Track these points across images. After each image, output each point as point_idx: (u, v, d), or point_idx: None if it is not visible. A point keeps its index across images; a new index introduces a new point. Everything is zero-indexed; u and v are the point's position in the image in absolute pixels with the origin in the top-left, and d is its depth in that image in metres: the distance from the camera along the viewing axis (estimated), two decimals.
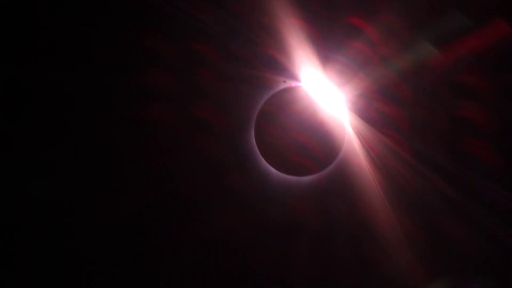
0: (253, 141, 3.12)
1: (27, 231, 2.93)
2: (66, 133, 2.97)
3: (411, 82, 3.02)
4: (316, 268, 3.07)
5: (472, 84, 2.96)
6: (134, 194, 3.01)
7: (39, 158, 2.93)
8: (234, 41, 3.02)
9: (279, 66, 3.07)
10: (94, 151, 2.99)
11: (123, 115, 3.00)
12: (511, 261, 2.91)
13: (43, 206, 2.93)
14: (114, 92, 2.99)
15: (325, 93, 3.13)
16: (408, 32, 2.97)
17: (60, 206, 2.95)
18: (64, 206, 2.96)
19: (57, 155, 2.96)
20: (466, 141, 3.00)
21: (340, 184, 3.09)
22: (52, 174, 2.95)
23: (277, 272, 3.07)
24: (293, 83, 3.14)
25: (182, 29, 3.00)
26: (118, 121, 3.00)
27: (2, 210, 2.90)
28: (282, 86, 3.09)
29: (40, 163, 2.94)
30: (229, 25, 3.00)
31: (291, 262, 3.08)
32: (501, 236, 2.92)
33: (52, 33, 2.93)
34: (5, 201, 2.90)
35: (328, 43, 3.00)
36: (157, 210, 3.03)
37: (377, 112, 3.07)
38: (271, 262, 3.07)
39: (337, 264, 3.06)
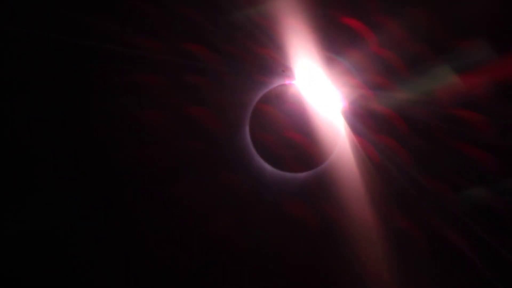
0: (248, 138, 3.14)
1: None
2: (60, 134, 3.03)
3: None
4: (311, 267, 3.07)
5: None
6: (129, 195, 3.06)
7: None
8: (228, 41, 3.04)
9: (273, 64, 3.09)
10: (84, 150, 3.04)
11: (114, 116, 3.04)
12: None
13: None
14: (105, 93, 3.03)
15: (321, 92, 3.13)
16: (412, 45, 2.97)
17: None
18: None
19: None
20: (466, 146, 2.98)
21: (333, 182, 3.10)
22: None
23: (273, 271, 3.08)
24: (288, 80, 3.15)
25: (174, 29, 3.02)
26: (109, 121, 3.04)
27: None
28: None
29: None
30: (223, 24, 3.02)
31: (285, 260, 3.08)
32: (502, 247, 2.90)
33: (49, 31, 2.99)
34: None
35: (328, 44, 3.01)
36: (151, 212, 3.07)
37: (373, 114, 3.07)
38: (266, 260, 3.08)
39: (331, 263, 3.06)
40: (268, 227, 3.10)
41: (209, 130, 3.11)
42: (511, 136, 2.94)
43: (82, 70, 3.02)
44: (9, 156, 2.96)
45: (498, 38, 2.90)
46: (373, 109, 3.07)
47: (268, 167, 3.14)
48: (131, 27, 3.01)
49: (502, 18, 2.93)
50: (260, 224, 3.10)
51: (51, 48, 2.98)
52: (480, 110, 2.97)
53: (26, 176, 2.97)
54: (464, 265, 2.95)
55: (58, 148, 3.00)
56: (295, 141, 3.07)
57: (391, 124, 3.04)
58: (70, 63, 3.01)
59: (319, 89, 3.12)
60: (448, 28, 2.94)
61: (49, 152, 2.99)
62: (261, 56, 3.08)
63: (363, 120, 3.09)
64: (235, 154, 3.15)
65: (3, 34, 2.93)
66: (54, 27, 2.96)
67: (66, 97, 3.01)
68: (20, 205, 2.95)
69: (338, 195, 3.07)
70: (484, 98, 2.95)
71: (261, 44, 3.06)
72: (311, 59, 3.04)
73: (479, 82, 2.94)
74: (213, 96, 3.11)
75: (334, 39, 3.01)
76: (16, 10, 2.95)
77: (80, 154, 3.02)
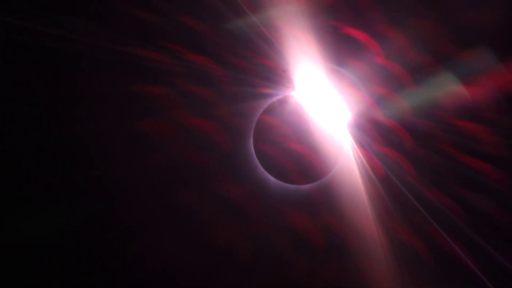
0: (252, 149, 3.13)
1: None
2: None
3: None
4: (313, 279, 3.07)
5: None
6: (132, 205, 3.04)
7: None
8: (232, 52, 3.03)
9: (277, 76, 3.09)
10: (87, 159, 3.02)
11: (118, 126, 3.03)
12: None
13: None
14: (111, 103, 3.01)
15: (325, 103, 3.12)
16: (416, 55, 2.96)
17: None
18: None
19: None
20: (469, 157, 2.97)
21: (337, 194, 3.09)
22: None
23: (275, 282, 3.07)
24: (292, 91, 3.14)
25: (178, 40, 3.02)
26: (113, 132, 3.02)
27: None
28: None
29: None
30: (227, 35, 3.02)
31: (288, 272, 3.08)
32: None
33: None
34: None
35: (332, 55, 3.00)
36: (154, 221, 3.06)
37: (377, 125, 3.06)
38: (269, 272, 3.07)
39: (334, 275, 3.05)
40: (270, 238, 3.09)
41: (213, 140, 3.10)
42: None
43: (89, 80, 3.01)
44: (10, 165, 2.95)
45: (501, 47, 2.89)
46: (377, 120, 3.06)
47: (271, 178, 3.13)
48: (135, 37, 3.00)
49: (505, 28, 2.92)
50: (263, 235, 3.09)
51: (55, 57, 2.97)
52: (484, 121, 2.96)
53: (32, 184, 2.96)
54: (467, 276, 2.95)
55: (63, 157, 2.99)
56: (298, 153, 3.06)
57: (395, 135, 3.03)
58: (75, 73, 3.00)
59: (323, 101, 3.11)
60: (451, 38, 2.93)
61: (53, 160, 2.98)
62: (265, 67, 3.07)
63: (367, 131, 3.08)
64: (238, 165, 3.14)
65: (4, 40, 2.91)
66: (59, 37, 2.95)
67: (71, 105, 3.00)
68: (23, 213, 2.94)
69: (342, 207, 3.07)
70: (487, 108, 2.94)
71: (265, 55, 3.05)
72: (315, 70, 3.03)
73: (483, 92, 2.93)
74: (216, 107, 3.10)
75: (338, 50, 3.00)
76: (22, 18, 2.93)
77: (83, 163, 3.01)
